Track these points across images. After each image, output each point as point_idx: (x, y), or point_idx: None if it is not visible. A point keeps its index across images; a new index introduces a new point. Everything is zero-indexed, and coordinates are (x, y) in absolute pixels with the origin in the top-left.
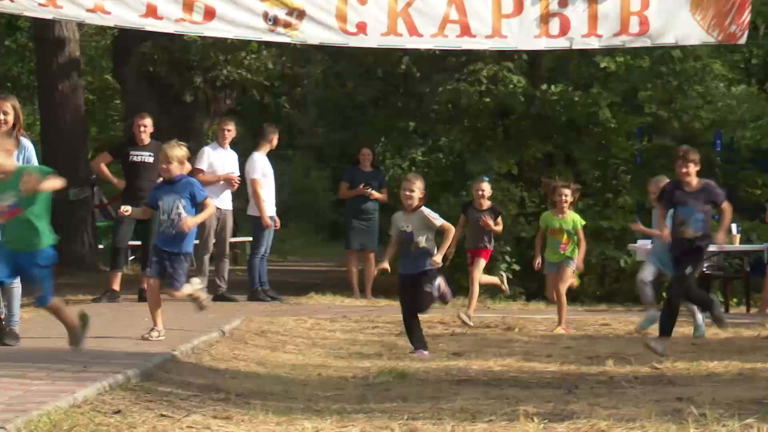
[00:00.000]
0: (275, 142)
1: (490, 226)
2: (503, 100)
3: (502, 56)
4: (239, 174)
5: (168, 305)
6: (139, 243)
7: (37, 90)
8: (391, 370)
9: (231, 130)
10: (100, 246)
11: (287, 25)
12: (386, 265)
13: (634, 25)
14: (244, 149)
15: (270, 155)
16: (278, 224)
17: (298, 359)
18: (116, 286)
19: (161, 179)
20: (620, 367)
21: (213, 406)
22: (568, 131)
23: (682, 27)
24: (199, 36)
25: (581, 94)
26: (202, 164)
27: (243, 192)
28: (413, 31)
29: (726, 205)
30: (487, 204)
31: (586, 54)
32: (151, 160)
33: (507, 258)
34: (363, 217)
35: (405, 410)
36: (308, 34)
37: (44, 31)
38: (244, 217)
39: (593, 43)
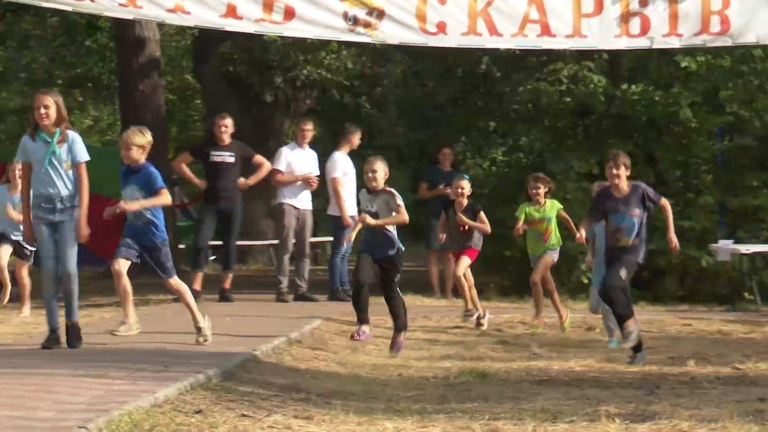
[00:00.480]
0: (356, 141)
1: (467, 225)
2: (583, 99)
3: (583, 56)
4: (318, 174)
5: (247, 307)
6: (220, 243)
7: (118, 90)
8: (471, 370)
9: (309, 129)
10: (181, 246)
11: (367, 25)
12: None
13: (714, 25)
14: (323, 149)
15: (351, 155)
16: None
17: (378, 359)
18: (197, 286)
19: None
20: (702, 368)
21: (294, 406)
22: (648, 131)
23: (764, 26)
24: (279, 36)
25: (662, 93)
26: (280, 165)
27: (323, 191)
28: (493, 30)
29: (664, 202)
30: (465, 202)
31: (666, 53)
32: (231, 160)
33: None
34: None
35: (486, 410)
36: (388, 33)
37: (124, 31)
38: (325, 217)
39: (674, 43)
